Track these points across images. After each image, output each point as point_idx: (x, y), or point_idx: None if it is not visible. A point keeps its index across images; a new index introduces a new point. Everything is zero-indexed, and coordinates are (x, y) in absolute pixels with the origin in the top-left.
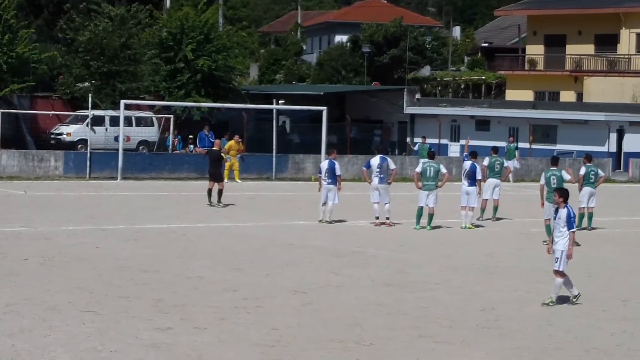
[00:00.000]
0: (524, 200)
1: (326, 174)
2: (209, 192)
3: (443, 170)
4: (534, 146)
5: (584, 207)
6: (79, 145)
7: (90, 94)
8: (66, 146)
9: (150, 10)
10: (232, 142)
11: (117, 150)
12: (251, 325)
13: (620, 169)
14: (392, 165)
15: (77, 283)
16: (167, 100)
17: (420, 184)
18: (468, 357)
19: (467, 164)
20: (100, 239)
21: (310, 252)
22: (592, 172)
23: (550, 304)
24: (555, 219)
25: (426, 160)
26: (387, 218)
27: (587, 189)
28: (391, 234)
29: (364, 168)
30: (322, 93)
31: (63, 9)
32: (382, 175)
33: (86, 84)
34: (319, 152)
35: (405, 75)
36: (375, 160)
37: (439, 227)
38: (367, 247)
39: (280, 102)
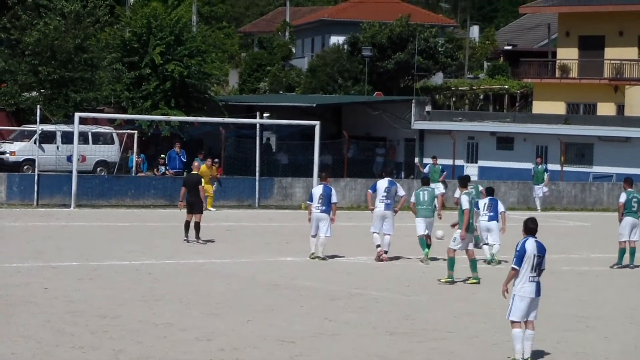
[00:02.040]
0: (554, 233)
1: (319, 201)
2: (186, 225)
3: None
4: (566, 168)
5: (625, 241)
6: (25, 166)
7: (38, 106)
8: (10, 167)
9: (111, 6)
10: (203, 167)
11: (71, 172)
12: None
13: None
14: (400, 192)
15: (21, 331)
16: (131, 113)
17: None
18: None
19: (482, 202)
20: (50, 278)
21: (300, 293)
22: (635, 200)
23: None
24: None
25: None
26: (385, 252)
27: (628, 219)
28: (396, 273)
29: (369, 190)
30: (314, 105)
31: (6, 4)
32: (388, 201)
33: (34, 93)
34: (311, 175)
35: (413, 83)
36: (383, 184)
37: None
38: (367, 288)
39: (264, 115)
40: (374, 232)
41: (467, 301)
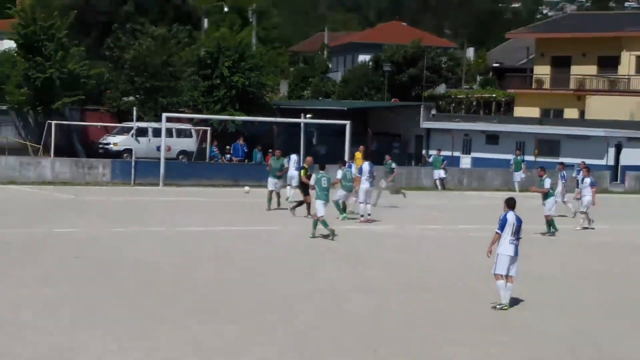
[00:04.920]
0: (529, 209)
1: (367, 175)
2: (301, 203)
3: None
4: (539, 159)
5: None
6: (125, 154)
7: (134, 108)
8: (113, 155)
9: (190, 30)
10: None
11: (159, 159)
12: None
13: (617, 180)
14: (375, 172)
15: (118, 282)
16: (205, 114)
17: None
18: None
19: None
20: (144, 239)
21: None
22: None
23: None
24: None
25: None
26: (369, 214)
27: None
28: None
29: (358, 174)
30: (346, 108)
31: (110, 29)
32: (371, 179)
33: (131, 98)
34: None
35: (422, 92)
36: (366, 167)
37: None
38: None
39: (307, 116)
40: (360, 203)
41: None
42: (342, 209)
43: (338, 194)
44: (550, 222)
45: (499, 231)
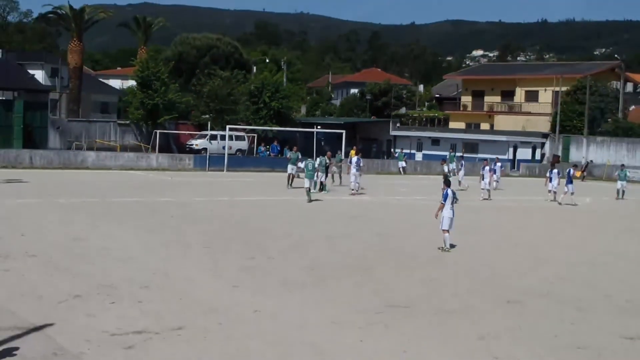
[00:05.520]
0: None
1: (356, 165)
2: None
3: (315, 165)
4: (465, 154)
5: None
6: (202, 151)
7: (209, 122)
8: (195, 152)
9: (244, 74)
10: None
11: (224, 154)
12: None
13: (515, 169)
14: (362, 163)
15: (206, 231)
16: (253, 126)
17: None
18: None
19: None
20: (215, 205)
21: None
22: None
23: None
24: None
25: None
26: (357, 190)
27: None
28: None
29: (348, 163)
30: (342, 122)
31: (195, 72)
32: (357, 167)
33: (207, 116)
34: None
35: (391, 112)
36: (354, 159)
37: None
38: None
39: (318, 127)
40: (351, 182)
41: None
42: (321, 188)
43: (305, 183)
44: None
45: (443, 201)
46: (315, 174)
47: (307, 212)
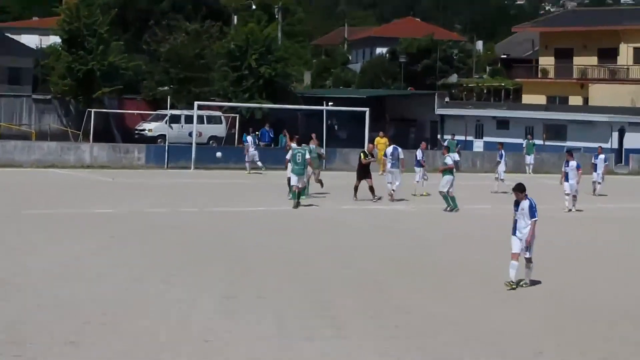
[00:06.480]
0: (541, 189)
1: (390, 158)
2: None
3: (307, 156)
4: (547, 143)
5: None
6: (159, 140)
7: (169, 97)
8: (148, 140)
9: (220, 26)
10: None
11: (191, 144)
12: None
13: (622, 163)
14: (401, 155)
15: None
16: (234, 102)
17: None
18: None
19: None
20: (177, 218)
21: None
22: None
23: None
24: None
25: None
26: (394, 191)
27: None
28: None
29: (383, 157)
30: (365, 96)
31: (147, 25)
32: (393, 161)
33: (166, 87)
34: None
35: (436, 81)
36: (389, 150)
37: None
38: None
39: (329, 104)
40: (387, 183)
41: None
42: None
43: (292, 180)
44: (444, 197)
45: (536, 218)
46: (306, 169)
47: (317, 227)
